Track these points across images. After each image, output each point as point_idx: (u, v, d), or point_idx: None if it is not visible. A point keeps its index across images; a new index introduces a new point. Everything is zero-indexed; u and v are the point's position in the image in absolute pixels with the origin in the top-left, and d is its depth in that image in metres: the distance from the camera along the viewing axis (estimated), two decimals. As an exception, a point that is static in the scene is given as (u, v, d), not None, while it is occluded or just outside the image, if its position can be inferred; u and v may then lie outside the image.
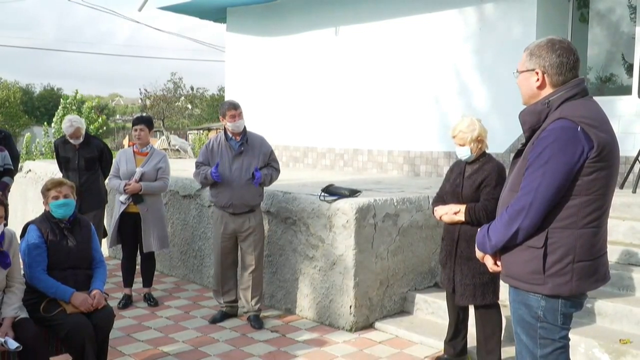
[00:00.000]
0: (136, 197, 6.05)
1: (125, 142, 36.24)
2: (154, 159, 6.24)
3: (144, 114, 7.30)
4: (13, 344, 3.62)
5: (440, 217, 4.47)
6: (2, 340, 3.61)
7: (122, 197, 6.06)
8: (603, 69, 8.41)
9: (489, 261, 2.89)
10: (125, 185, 6.00)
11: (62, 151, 6.70)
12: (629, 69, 7.84)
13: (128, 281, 6.41)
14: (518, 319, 2.80)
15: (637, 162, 6.67)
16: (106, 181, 6.87)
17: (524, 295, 2.74)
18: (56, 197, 4.23)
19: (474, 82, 8.38)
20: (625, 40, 8.01)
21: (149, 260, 6.40)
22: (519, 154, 2.83)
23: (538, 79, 2.72)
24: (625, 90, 7.76)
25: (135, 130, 6.25)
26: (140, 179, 6.05)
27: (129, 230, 6.21)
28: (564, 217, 2.61)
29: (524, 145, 2.78)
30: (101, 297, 4.17)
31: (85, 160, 6.60)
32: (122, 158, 6.24)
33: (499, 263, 2.84)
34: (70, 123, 6.60)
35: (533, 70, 2.74)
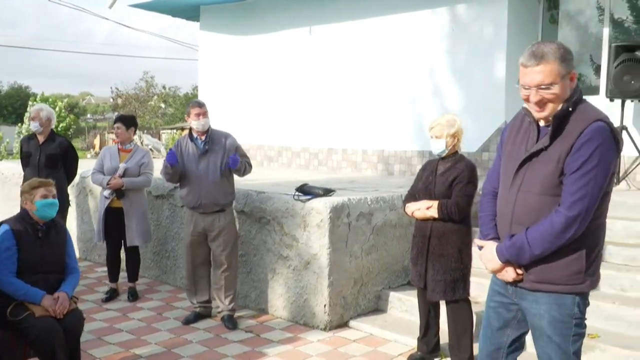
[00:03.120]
0: (119, 192, 6.18)
1: (97, 141, 35.80)
2: (137, 155, 6.39)
3: (121, 113, 7.44)
4: None
5: (412, 213, 4.52)
6: None
7: (106, 192, 6.24)
8: (572, 69, 8.53)
9: (510, 272, 2.77)
10: (108, 181, 6.13)
11: (26, 147, 6.67)
12: (597, 69, 7.97)
13: (113, 276, 6.54)
14: (550, 321, 2.72)
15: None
16: (88, 176, 6.87)
17: (558, 297, 2.69)
18: (45, 196, 4.16)
19: (447, 82, 8.45)
20: (593, 41, 8.14)
21: (134, 255, 6.52)
22: (530, 157, 2.73)
23: (573, 80, 2.68)
24: (594, 90, 7.88)
25: (113, 128, 6.50)
26: (124, 175, 6.18)
27: (113, 225, 6.31)
28: (595, 216, 2.64)
29: (545, 147, 2.68)
30: (65, 300, 4.07)
31: (47, 157, 6.53)
32: (107, 154, 6.42)
33: (519, 271, 2.75)
34: (36, 107, 6.69)
35: (569, 73, 2.65)
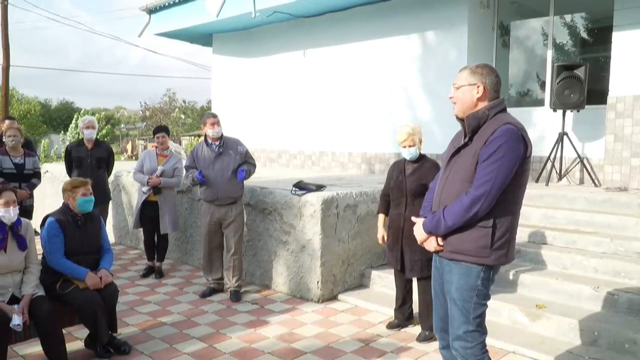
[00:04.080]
0: (156, 189, 6.18)
1: (129, 147, 35.61)
2: (172, 160, 6.38)
3: (159, 125, 7.39)
4: (16, 320, 3.54)
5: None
6: (11, 315, 3.55)
7: (145, 189, 6.23)
8: (521, 85, 8.54)
9: (432, 242, 2.83)
10: (148, 179, 6.13)
11: (75, 152, 6.58)
12: (542, 85, 7.97)
13: (150, 256, 6.54)
14: (457, 288, 2.77)
15: (549, 160, 6.79)
16: (130, 175, 6.82)
17: (467, 268, 2.74)
18: (84, 194, 4.17)
19: (419, 96, 8.43)
20: (539, 61, 8.14)
21: (164, 241, 6.52)
22: (457, 151, 2.82)
23: (478, 92, 2.75)
24: (540, 102, 7.89)
25: (158, 137, 6.39)
26: (161, 175, 6.19)
27: (149, 215, 6.30)
28: (505, 202, 2.67)
29: (465, 144, 2.78)
30: (107, 274, 4.12)
31: (97, 160, 6.52)
32: (147, 157, 6.38)
33: (440, 242, 2.81)
34: (89, 118, 6.66)
35: (475, 84, 2.76)
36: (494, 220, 2.67)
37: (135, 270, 6.55)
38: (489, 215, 2.66)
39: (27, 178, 6.27)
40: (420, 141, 4.39)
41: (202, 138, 5.69)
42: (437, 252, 2.88)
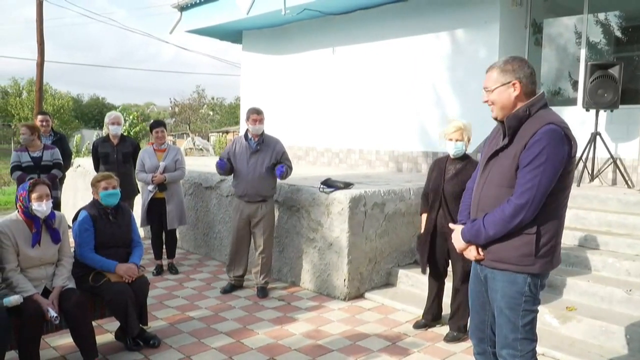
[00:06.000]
0: (161, 186, 6.16)
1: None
2: (171, 153, 6.34)
3: (156, 119, 7.30)
4: (53, 313, 3.62)
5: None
6: (45, 309, 3.61)
7: (150, 187, 6.19)
8: (553, 84, 8.38)
9: (472, 251, 2.71)
10: (152, 177, 6.09)
11: (102, 148, 6.66)
12: (575, 84, 7.81)
13: (158, 254, 6.50)
14: (503, 296, 2.63)
15: (581, 161, 6.66)
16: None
17: (512, 276, 2.60)
18: (106, 188, 4.21)
19: (448, 94, 8.34)
20: (572, 60, 7.98)
21: (172, 237, 6.49)
22: (495, 153, 2.67)
23: (515, 90, 2.59)
24: (572, 101, 7.73)
25: (157, 132, 6.32)
26: (164, 171, 6.14)
27: (156, 213, 6.29)
28: (550, 207, 2.54)
29: (504, 145, 2.61)
30: (134, 270, 4.15)
31: (123, 155, 6.58)
32: (146, 155, 6.30)
33: (481, 251, 2.69)
34: (114, 114, 6.68)
35: (510, 82, 2.60)
36: (538, 226, 2.53)
37: (165, 264, 6.62)
38: (532, 222, 2.52)
39: (46, 169, 6.45)
40: (469, 140, 4.19)
41: (235, 134, 5.71)
42: (477, 261, 2.75)
